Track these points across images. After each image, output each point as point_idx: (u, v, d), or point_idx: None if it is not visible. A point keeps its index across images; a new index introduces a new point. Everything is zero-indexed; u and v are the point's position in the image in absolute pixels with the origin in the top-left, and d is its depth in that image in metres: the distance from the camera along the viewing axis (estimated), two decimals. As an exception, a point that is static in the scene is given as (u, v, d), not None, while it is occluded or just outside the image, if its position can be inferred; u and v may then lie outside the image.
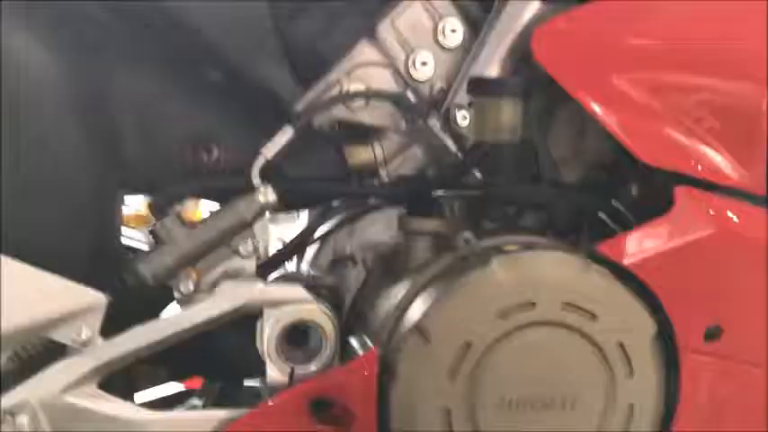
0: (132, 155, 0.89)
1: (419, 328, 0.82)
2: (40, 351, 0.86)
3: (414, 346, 0.82)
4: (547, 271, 0.84)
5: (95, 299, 0.82)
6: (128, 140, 0.89)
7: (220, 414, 0.87)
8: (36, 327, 0.80)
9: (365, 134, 0.98)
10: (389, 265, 0.96)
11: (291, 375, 0.88)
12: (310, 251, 1.06)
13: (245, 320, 0.91)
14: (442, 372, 0.82)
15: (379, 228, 1.01)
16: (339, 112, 0.95)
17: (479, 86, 0.89)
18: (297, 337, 0.90)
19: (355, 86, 0.94)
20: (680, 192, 0.86)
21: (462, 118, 0.90)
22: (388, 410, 0.83)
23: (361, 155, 0.98)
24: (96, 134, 0.87)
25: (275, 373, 0.87)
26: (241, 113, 0.94)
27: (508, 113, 0.88)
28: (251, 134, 0.93)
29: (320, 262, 1.03)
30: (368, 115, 0.97)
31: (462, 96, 0.91)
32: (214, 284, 0.87)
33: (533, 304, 0.82)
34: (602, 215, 0.92)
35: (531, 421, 0.83)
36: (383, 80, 0.96)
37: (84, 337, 0.81)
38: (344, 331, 0.91)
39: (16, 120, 0.83)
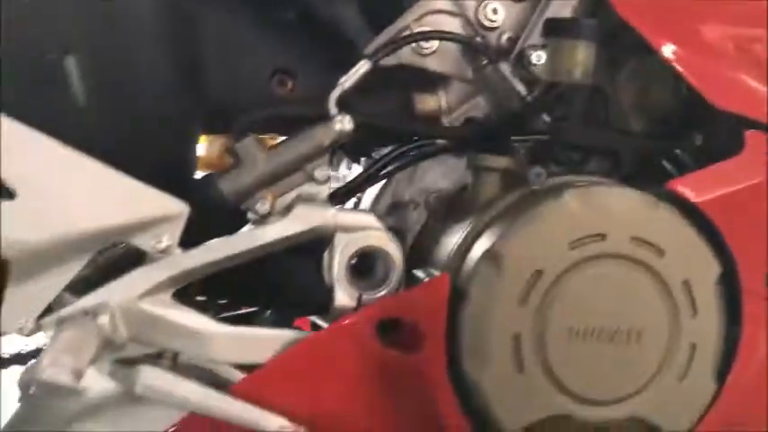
0: (214, 84, 0.91)
1: (492, 254, 0.84)
2: (119, 256, 0.87)
3: (486, 271, 0.84)
4: (617, 204, 0.85)
5: (178, 208, 0.83)
6: (210, 70, 0.92)
7: (289, 334, 0.88)
8: (119, 230, 0.81)
9: (431, 81, 1.01)
10: (452, 207, 0.98)
11: (359, 301, 0.90)
12: (369, 196, 1.08)
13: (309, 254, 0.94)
14: (513, 298, 0.83)
15: (438, 175, 1.03)
16: (407, 57, 0.97)
17: (555, 28, 0.91)
18: (362, 271, 0.92)
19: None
20: (750, 135, 0.88)
21: (537, 58, 0.92)
22: (457, 334, 0.85)
23: (428, 102, 1.00)
24: (181, 63, 0.89)
25: (343, 298, 0.89)
26: (316, 50, 0.97)
27: (582, 56, 0.90)
28: (325, 69, 0.96)
29: (379, 206, 1.04)
30: (435, 62, 0.99)
31: (536, 38, 0.93)
32: (288, 208, 0.89)
33: (603, 236, 0.84)
34: (665, 163, 0.95)
35: (597, 352, 0.84)
36: (453, 27, 0.98)
37: (163, 245, 0.83)
38: (408, 267, 0.93)
39: (109, 44, 0.85)
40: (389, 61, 0.97)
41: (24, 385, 0.94)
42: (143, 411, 0.90)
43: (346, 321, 0.87)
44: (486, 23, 0.97)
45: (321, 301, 0.92)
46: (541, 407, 0.85)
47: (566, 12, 0.95)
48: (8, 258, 0.79)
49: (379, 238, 0.89)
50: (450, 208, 0.98)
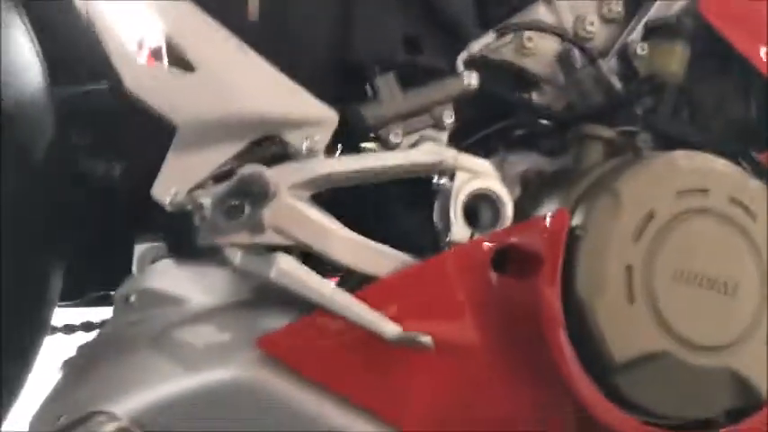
0: (359, 40, 0.99)
1: (612, 191, 0.91)
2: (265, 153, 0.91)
3: (605, 206, 0.91)
4: (720, 166, 0.95)
5: (330, 115, 0.89)
6: (358, 27, 1.00)
7: (408, 257, 0.92)
8: (278, 121, 0.87)
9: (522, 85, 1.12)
10: (547, 181, 1.06)
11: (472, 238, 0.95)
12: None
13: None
14: (628, 233, 0.90)
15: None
16: (510, 54, 1.08)
17: (658, 27, 1.03)
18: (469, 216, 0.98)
19: (527, 39, 1.09)
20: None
21: (641, 49, 1.03)
22: (573, 264, 0.90)
23: None
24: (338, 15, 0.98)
25: (458, 233, 0.93)
26: (435, 28, 1.06)
27: (680, 55, 1.02)
28: (442, 46, 1.05)
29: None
30: (534, 63, 1.10)
31: (637, 36, 1.06)
32: (414, 144, 0.96)
33: (706, 191, 0.93)
34: (742, 162, 1.05)
35: (697, 296, 0.90)
36: (550, 38, 1.11)
37: (312, 145, 0.87)
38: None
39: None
40: (494, 56, 1.08)
41: (122, 297, 0.94)
42: (240, 319, 0.92)
43: (464, 248, 0.92)
44: (582, 35, 1.10)
45: (424, 246, 0.98)
46: (647, 341, 0.89)
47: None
48: (176, 124, 0.83)
49: (495, 183, 0.96)
50: (545, 182, 1.05)
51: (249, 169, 0.82)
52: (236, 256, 0.87)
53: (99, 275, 1.19)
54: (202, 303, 0.92)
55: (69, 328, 1.28)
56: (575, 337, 0.90)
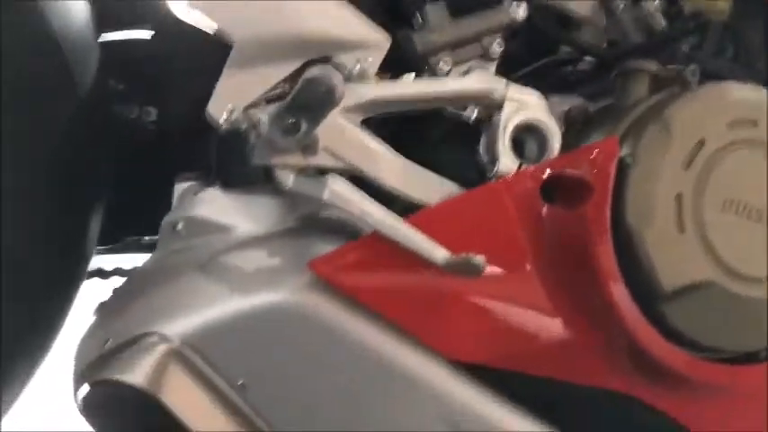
0: None
1: (664, 119, 0.91)
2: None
3: (655, 135, 0.91)
4: (768, 100, 0.96)
5: (383, 38, 0.89)
6: None
7: (454, 187, 0.92)
8: (333, 42, 0.86)
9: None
10: (592, 117, 1.05)
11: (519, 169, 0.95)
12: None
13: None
14: (679, 161, 0.90)
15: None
16: (552, -5, 1.09)
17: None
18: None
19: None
20: None
21: (688, -18, 1.03)
22: (623, 193, 0.90)
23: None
24: None
25: (506, 164, 0.93)
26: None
27: (727, -8, 1.03)
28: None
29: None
30: (577, 5, 1.10)
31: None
32: (463, 74, 0.96)
33: (756, 122, 0.93)
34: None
35: (745, 227, 0.91)
36: None
37: (364, 68, 0.87)
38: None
39: None
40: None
41: (169, 225, 0.94)
42: (289, 245, 0.91)
43: (512, 178, 0.92)
44: None
45: (470, 178, 0.97)
46: (695, 270, 0.89)
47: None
48: (233, 41, 0.83)
49: (543, 114, 0.96)
50: (589, 120, 1.05)
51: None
52: (289, 179, 0.87)
53: (136, 220, 1.19)
54: (249, 231, 0.92)
55: (103, 273, 1.29)
56: (623, 268, 0.90)
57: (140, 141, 1.17)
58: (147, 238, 1.28)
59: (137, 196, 1.14)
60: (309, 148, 0.84)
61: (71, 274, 1.04)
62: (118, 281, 1.21)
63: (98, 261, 1.28)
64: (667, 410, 0.94)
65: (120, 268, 1.28)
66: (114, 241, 1.27)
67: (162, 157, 1.14)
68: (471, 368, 0.90)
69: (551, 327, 0.91)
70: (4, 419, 1.03)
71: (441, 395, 0.90)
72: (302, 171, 0.87)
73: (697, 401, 0.95)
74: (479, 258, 0.83)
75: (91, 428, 0.92)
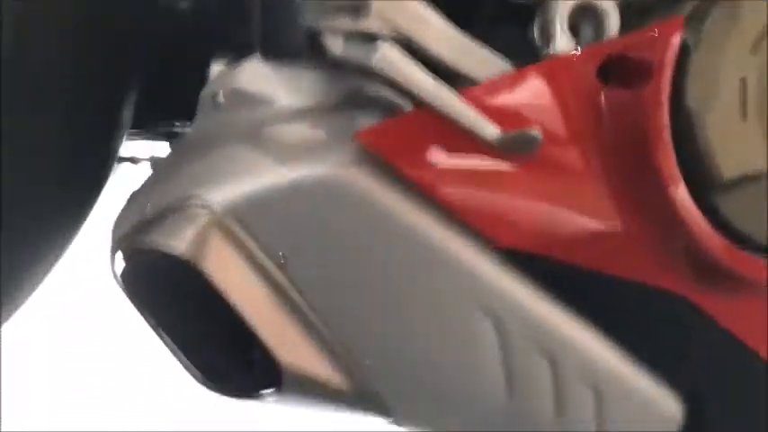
0: None
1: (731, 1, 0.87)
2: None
3: (722, 16, 0.86)
4: None
5: None
6: None
7: (506, 64, 0.87)
8: None
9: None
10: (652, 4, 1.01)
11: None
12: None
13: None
14: (745, 44, 0.86)
15: None
16: None
17: None
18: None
19: None
20: None
21: None
22: (685, 75, 0.86)
23: None
24: None
25: (562, 47, 0.89)
26: None
27: None
28: None
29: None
30: None
31: None
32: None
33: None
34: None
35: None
36: None
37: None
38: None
39: None
40: None
41: (209, 96, 0.92)
42: (334, 118, 0.88)
43: (569, 57, 0.88)
44: None
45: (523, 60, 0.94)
46: (756, 159, 0.85)
47: None
48: None
49: (602, -2, 0.92)
50: (646, 7, 1.01)
51: None
52: (338, 44, 0.83)
53: (168, 105, 1.17)
54: (292, 103, 0.88)
55: (135, 160, 1.27)
56: (679, 157, 0.86)
57: (175, 27, 1.14)
58: (178, 124, 1.26)
59: (170, 81, 1.12)
60: (361, 9, 0.80)
61: (101, 156, 1.02)
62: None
63: (131, 148, 1.27)
64: (717, 316, 0.91)
65: (154, 156, 1.27)
66: (146, 127, 1.25)
67: (197, 41, 1.11)
68: (519, 261, 0.87)
69: (603, 217, 0.87)
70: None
71: (483, 284, 0.87)
72: (351, 37, 0.84)
73: (752, 311, 0.92)
74: (535, 131, 0.80)
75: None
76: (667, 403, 0.91)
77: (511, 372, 0.89)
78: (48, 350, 1.48)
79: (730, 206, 0.87)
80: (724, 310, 0.93)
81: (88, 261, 1.15)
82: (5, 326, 1.01)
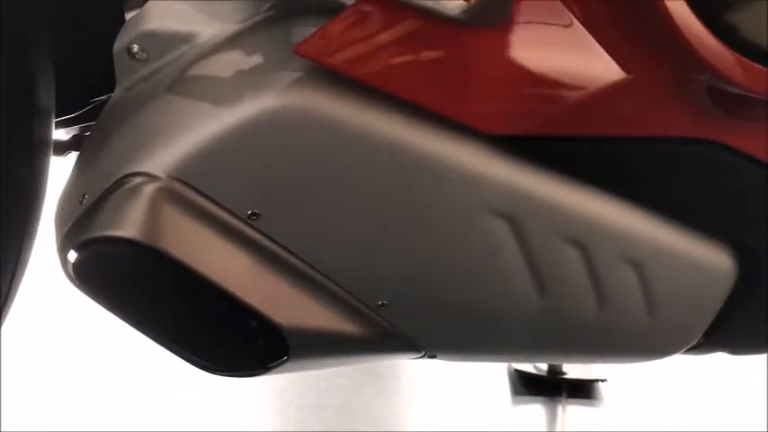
0: None
1: None
2: None
3: None
4: None
5: None
6: None
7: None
8: None
9: None
10: None
11: None
12: None
13: None
14: None
15: None
16: None
17: None
18: None
19: None
20: None
21: None
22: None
23: None
24: None
25: None
26: None
27: None
28: None
29: None
30: None
31: None
32: None
33: None
34: None
35: None
36: None
37: None
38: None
39: None
40: None
41: (122, 51, 0.79)
42: (269, 37, 0.76)
43: None
44: None
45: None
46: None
47: None
48: None
49: None
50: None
51: None
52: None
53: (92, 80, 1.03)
54: (218, 32, 0.76)
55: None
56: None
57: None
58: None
59: (87, 55, 0.98)
60: None
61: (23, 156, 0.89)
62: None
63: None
64: (744, 149, 0.78)
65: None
66: (76, 109, 1.11)
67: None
68: (519, 147, 0.75)
69: (605, 71, 0.73)
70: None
71: (487, 183, 0.74)
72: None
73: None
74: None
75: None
76: (718, 259, 0.81)
77: (538, 271, 0.78)
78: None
79: (744, 22, 0.75)
80: (750, 141, 0.81)
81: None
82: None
